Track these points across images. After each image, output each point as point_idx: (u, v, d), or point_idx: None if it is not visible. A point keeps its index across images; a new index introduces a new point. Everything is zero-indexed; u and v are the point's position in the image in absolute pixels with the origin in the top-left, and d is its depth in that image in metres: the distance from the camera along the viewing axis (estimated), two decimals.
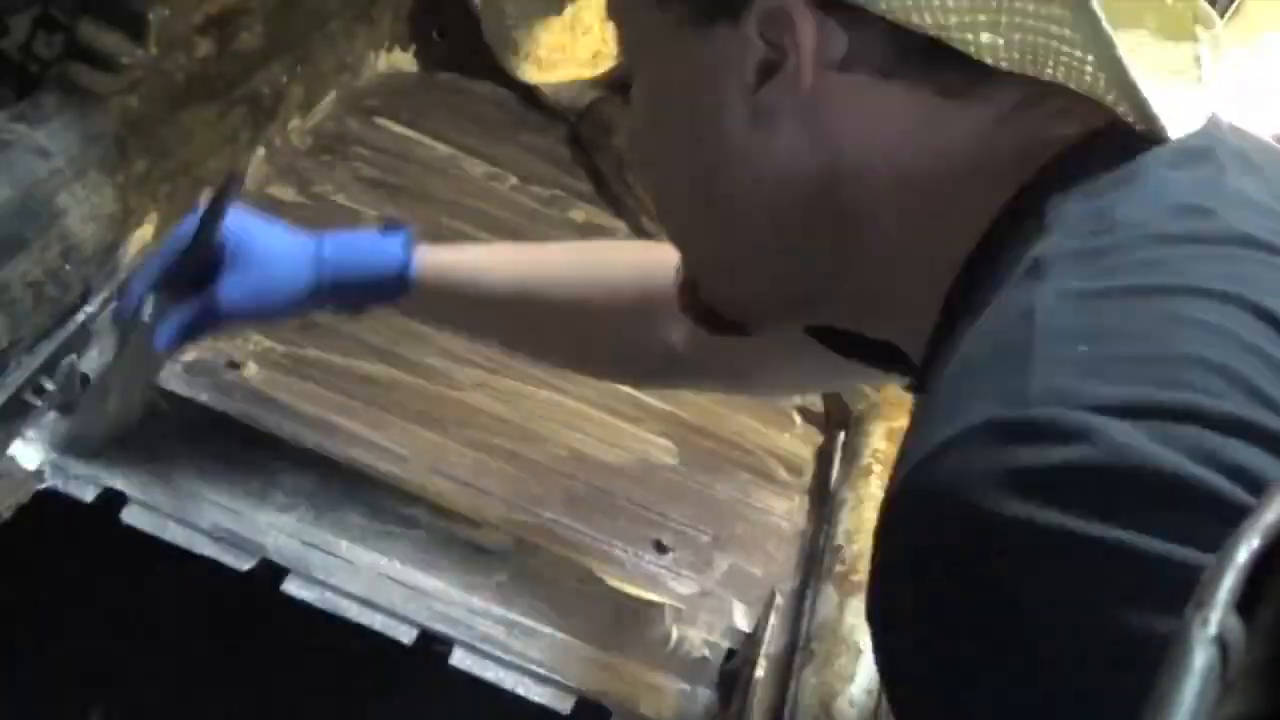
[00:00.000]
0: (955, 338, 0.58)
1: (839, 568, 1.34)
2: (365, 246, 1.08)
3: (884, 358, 0.79)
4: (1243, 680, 0.38)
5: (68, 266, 1.26)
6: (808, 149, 0.64)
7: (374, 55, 2.08)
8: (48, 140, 1.26)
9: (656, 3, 0.66)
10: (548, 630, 1.27)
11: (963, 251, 0.62)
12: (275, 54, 1.69)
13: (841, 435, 1.62)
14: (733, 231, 0.70)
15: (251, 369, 1.38)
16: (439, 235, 1.75)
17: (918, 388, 0.72)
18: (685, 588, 1.34)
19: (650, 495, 1.43)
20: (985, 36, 0.60)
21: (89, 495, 1.24)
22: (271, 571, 1.24)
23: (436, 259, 1.08)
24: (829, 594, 1.32)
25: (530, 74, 2.08)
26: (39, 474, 1.22)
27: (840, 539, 1.40)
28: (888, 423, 1.55)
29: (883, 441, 1.53)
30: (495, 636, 1.25)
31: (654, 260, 1.01)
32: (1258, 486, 0.44)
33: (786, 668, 1.27)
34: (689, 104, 0.67)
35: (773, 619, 1.31)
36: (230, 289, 1.07)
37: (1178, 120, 0.62)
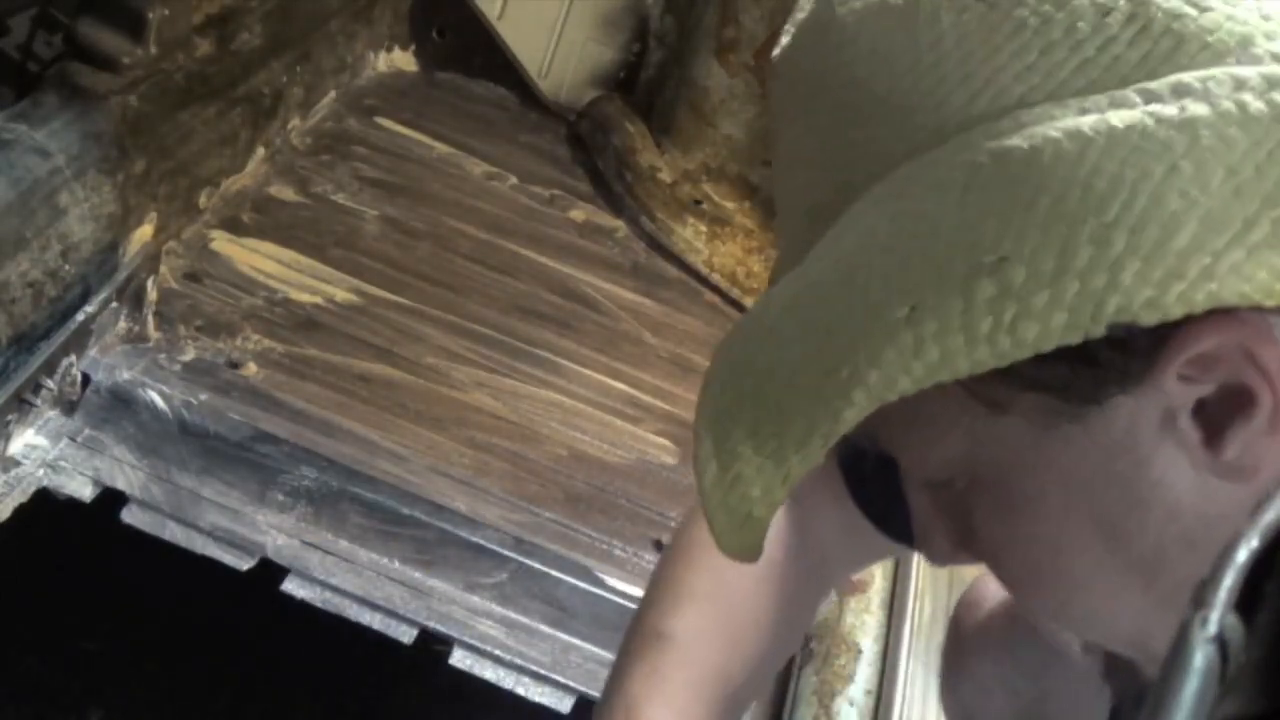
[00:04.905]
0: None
1: None
2: None
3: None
4: (1243, 680, 0.38)
5: (68, 266, 1.26)
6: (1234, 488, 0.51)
7: (374, 55, 2.09)
8: (48, 140, 1.26)
9: (987, 410, 0.54)
10: (547, 630, 1.27)
11: None
12: (275, 54, 1.69)
13: None
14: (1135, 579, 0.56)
15: (251, 369, 1.38)
16: (439, 234, 1.76)
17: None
18: None
19: (650, 495, 1.42)
20: None
21: (88, 494, 1.24)
22: (271, 571, 1.24)
23: None
24: (829, 594, 1.31)
25: None
26: (38, 473, 1.22)
27: None
28: None
29: None
30: (495, 636, 1.25)
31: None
32: None
33: (786, 667, 1.26)
34: (1095, 496, 0.54)
35: None
36: None
37: None
